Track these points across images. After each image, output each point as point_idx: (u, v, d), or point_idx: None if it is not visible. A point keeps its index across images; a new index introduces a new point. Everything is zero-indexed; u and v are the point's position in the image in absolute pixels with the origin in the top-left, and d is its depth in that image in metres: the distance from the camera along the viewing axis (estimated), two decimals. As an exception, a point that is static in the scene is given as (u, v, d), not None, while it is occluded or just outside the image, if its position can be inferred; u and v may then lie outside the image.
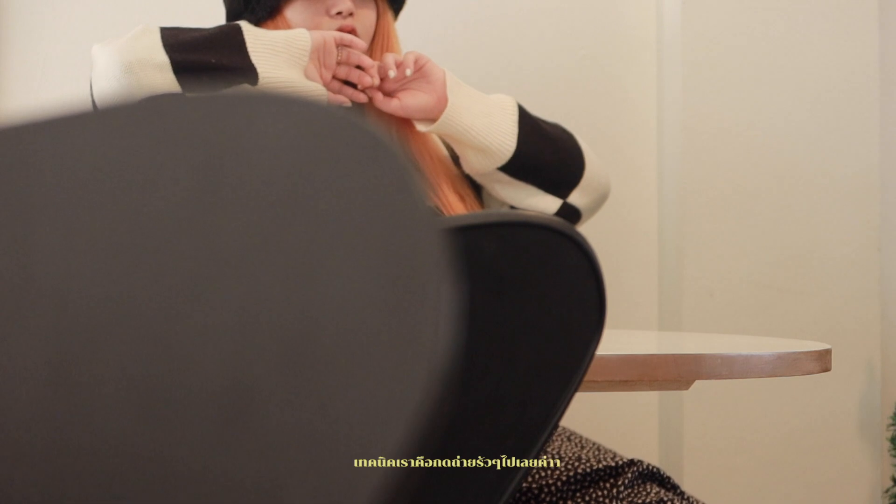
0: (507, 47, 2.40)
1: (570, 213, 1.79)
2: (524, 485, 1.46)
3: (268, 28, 1.66)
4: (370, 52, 1.70)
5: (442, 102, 1.66)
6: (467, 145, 1.68)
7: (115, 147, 0.46)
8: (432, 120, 1.67)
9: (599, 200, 1.86)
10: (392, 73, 1.62)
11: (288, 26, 1.65)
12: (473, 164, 1.70)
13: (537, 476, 1.45)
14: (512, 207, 1.74)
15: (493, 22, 2.40)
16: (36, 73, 2.25)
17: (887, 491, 2.37)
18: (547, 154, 1.74)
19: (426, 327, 0.40)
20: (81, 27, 2.26)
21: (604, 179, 1.84)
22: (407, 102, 1.65)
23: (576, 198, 1.77)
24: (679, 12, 2.34)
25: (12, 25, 2.24)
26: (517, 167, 1.71)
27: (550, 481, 1.44)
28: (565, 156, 1.77)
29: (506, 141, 1.69)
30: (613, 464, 1.45)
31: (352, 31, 1.64)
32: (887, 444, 2.38)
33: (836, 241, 2.38)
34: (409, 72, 1.62)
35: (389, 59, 1.63)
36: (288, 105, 0.45)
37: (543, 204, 1.74)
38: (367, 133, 0.43)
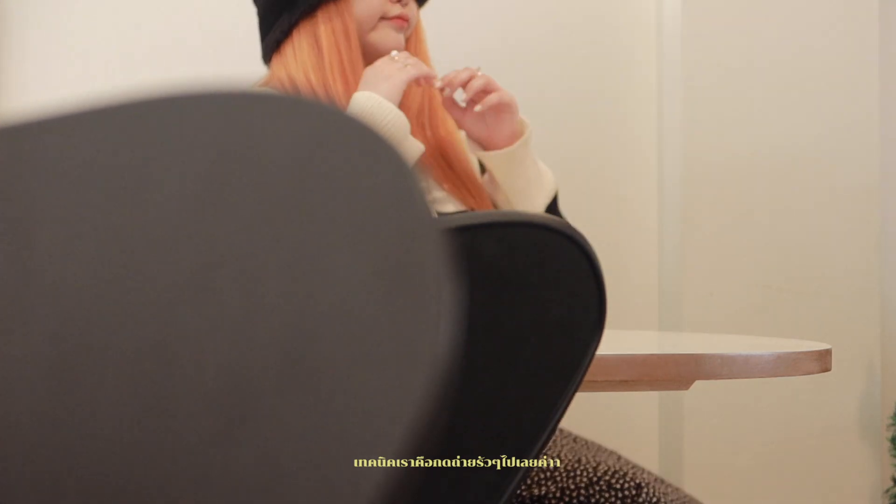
0: (507, 48, 2.40)
1: None
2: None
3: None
4: (409, 47, 1.78)
5: (493, 144, 1.73)
6: (504, 193, 1.76)
7: (116, 147, 0.46)
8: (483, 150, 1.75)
9: None
10: (461, 96, 1.70)
11: (348, 5, 1.68)
12: (503, 204, 1.79)
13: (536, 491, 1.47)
14: None
15: (494, 22, 2.40)
16: (36, 72, 2.25)
17: (887, 491, 2.37)
18: None
19: (426, 327, 0.40)
20: (82, 27, 2.26)
21: None
22: (468, 122, 1.73)
23: None
24: (679, 11, 2.34)
25: (12, 25, 2.24)
26: None
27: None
28: None
29: (537, 202, 1.80)
30: (617, 482, 1.46)
31: (407, 19, 1.73)
32: (887, 444, 2.38)
33: (836, 242, 2.38)
34: (478, 108, 1.69)
35: (477, 82, 1.68)
36: (289, 105, 0.45)
37: None
38: (369, 133, 0.43)
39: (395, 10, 1.72)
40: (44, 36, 2.25)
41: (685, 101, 2.34)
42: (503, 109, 1.69)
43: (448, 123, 1.75)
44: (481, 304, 0.67)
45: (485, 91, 1.68)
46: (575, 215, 2.05)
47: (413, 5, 1.76)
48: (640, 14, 2.45)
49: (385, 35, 1.72)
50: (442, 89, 1.70)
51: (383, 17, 1.71)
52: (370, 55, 1.72)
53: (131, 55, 2.26)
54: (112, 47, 2.26)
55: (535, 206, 1.76)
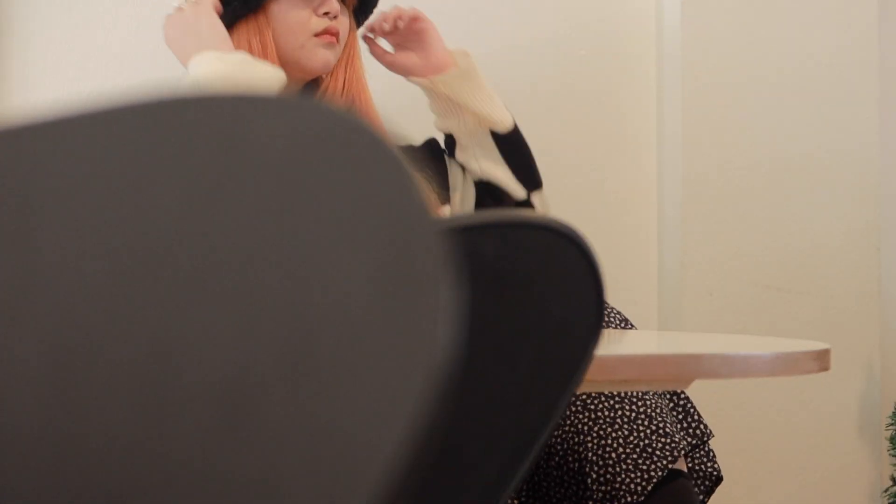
0: (506, 49, 2.40)
1: (526, 207, 1.91)
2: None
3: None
4: (339, 63, 1.74)
5: (432, 67, 1.75)
6: (467, 107, 1.76)
7: (116, 148, 0.46)
8: (422, 77, 1.77)
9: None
10: (386, 26, 1.72)
11: (267, 20, 1.66)
12: (469, 124, 1.78)
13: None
14: (481, 181, 1.81)
15: (493, 23, 2.40)
16: (36, 73, 2.25)
17: (886, 490, 2.37)
18: (527, 148, 1.84)
19: (426, 327, 0.40)
20: (81, 27, 2.26)
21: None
22: (399, 58, 1.76)
23: (536, 200, 1.87)
24: (679, 10, 2.35)
25: (12, 25, 2.24)
26: (508, 141, 1.79)
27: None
28: (535, 165, 1.88)
29: (506, 114, 1.78)
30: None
31: (336, 34, 1.68)
32: (886, 444, 2.38)
33: (836, 241, 2.38)
34: (401, 23, 1.72)
35: (387, 16, 1.73)
36: (288, 106, 0.45)
37: (514, 187, 1.82)
38: (367, 134, 0.43)
39: (321, 24, 1.66)
40: (45, 37, 2.25)
41: (685, 101, 2.34)
42: (420, 25, 1.72)
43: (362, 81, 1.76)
44: (481, 305, 0.68)
45: (394, 17, 1.71)
46: (575, 215, 2.05)
47: (344, 19, 1.71)
48: (640, 14, 2.45)
49: (312, 53, 1.66)
50: (366, 38, 1.73)
51: (314, 34, 1.66)
52: (296, 73, 1.68)
53: (131, 56, 2.26)
54: (112, 48, 2.26)
55: (504, 116, 1.77)
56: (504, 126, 1.77)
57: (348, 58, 1.74)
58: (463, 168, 1.80)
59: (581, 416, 1.50)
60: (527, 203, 1.84)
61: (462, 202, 1.81)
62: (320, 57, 1.67)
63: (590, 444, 1.48)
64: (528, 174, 1.82)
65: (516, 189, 1.81)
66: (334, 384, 0.41)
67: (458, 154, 1.81)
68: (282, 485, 0.42)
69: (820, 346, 1.12)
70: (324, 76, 1.74)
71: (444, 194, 1.81)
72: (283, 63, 1.66)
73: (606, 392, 1.50)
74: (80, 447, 0.44)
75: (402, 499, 0.40)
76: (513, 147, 1.79)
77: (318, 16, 1.66)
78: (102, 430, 0.44)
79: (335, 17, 1.68)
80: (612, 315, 1.63)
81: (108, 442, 0.44)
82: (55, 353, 0.45)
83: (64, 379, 0.45)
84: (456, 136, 1.78)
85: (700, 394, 2.29)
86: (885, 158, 2.45)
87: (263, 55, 1.64)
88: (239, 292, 0.43)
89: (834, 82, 2.39)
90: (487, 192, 1.80)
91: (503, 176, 1.80)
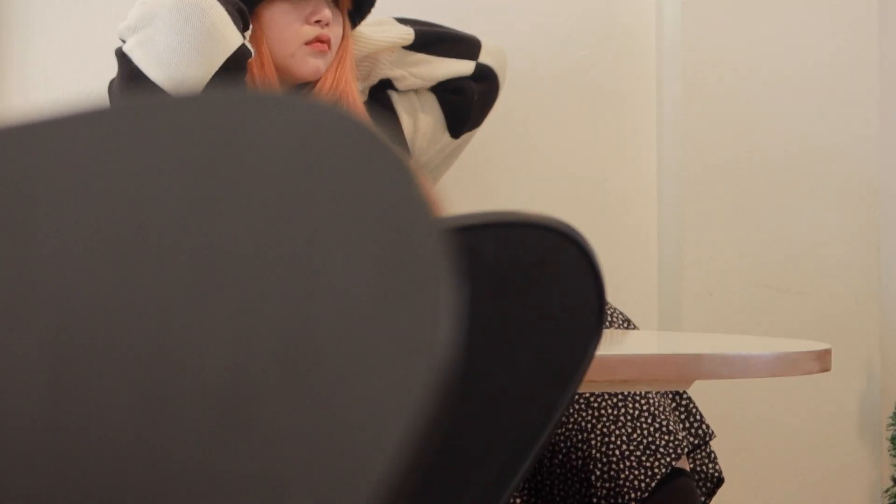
0: (505, 47, 2.40)
1: (486, 73, 1.95)
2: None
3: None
4: (330, 66, 1.73)
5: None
6: (376, 47, 1.82)
7: (115, 147, 0.46)
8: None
9: (505, 65, 2.03)
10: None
11: (260, 27, 1.66)
12: (387, 59, 1.84)
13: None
14: (439, 84, 1.87)
15: (492, 23, 2.40)
16: (36, 73, 2.25)
17: (887, 491, 2.37)
18: (443, 31, 1.92)
19: (426, 327, 0.40)
20: (81, 27, 2.26)
21: (499, 47, 2.03)
22: None
23: (485, 59, 1.93)
24: (679, 10, 2.35)
25: (12, 25, 2.24)
26: (422, 42, 1.85)
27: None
28: (460, 33, 1.95)
29: (401, 27, 1.85)
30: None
31: (328, 41, 1.66)
32: (887, 444, 2.38)
33: (836, 241, 2.38)
34: None
35: None
36: (287, 105, 0.45)
37: (461, 67, 1.88)
38: (367, 133, 0.43)
39: (312, 32, 1.65)
40: (45, 37, 2.25)
41: (684, 101, 2.34)
42: None
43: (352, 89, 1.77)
44: (481, 305, 0.68)
45: None
46: (574, 215, 2.05)
47: (336, 26, 1.70)
48: (640, 14, 2.45)
49: (302, 62, 1.66)
50: None
51: (304, 42, 1.66)
52: (288, 79, 1.68)
53: (131, 55, 2.26)
54: (112, 48, 2.26)
55: (402, 30, 1.83)
56: (409, 36, 1.82)
57: (340, 59, 1.73)
58: (414, 92, 1.86)
59: (584, 414, 1.50)
60: (483, 67, 1.90)
61: (432, 119, 1.86)
62: (310, 66, 1.67)
63: (593, 442, 1.48)
64: (462, 47, 1.90)
65: (463, 66, 1.87)
66: (334, 383, 0.41)
67: (400, 85, 1.84)
68: (282, 484, 0.42)
69: (820, 346, 1.12)
70: None
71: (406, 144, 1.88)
72: (276, 69, 1.66)
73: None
74: (80, 446, 0.44)
75: (403, 498, 0.40)
76: (429, 41, 1.85)
77: (309, 24, 1.66)
78: (102, 428, 0.44)
79: (327, 25, 1.67)
80: (615, 315, 1.63)
81: (108, 440, 0.44)
82: (55, 352, 0.45)
83: (63, 378, 0.45)
84: (386, 76, 1.83)
85: (700, 394, 2.29)
86: (885, 158, 2.45)
87: (259, 62, 1.64)
88: (239, 291, 0.43)
89: (834, 82, 2.39)
90: (446, 91, 1.86)
91: (445, 67, 1.86)
